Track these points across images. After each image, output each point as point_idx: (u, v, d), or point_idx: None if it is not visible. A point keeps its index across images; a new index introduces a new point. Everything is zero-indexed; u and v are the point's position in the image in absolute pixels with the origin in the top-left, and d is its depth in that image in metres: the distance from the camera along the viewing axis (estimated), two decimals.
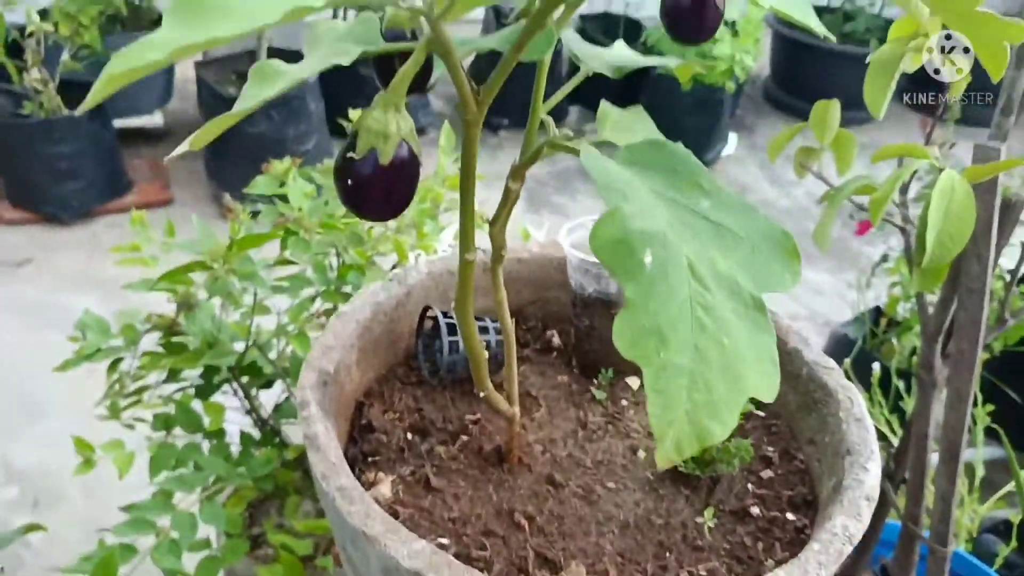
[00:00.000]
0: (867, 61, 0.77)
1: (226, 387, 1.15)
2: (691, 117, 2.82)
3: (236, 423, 1.16)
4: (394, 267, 1.05)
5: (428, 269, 0.72)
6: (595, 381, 0.71)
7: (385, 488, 0.59)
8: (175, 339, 1.11)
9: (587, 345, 0.71)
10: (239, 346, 1.08)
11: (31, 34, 2.25)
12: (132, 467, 1.02)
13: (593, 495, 0.61)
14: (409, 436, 0.64)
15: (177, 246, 0.91)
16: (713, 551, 0.56)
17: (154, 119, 2.78)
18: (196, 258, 0.88)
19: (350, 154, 0.44)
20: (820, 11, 3.29)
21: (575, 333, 0.72)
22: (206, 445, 1.10)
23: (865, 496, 0.53)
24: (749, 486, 0.62)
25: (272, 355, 1.12)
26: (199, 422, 1.08)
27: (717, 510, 0.59)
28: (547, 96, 0.52)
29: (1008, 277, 1.11)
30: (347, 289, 1.08)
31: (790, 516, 0.59)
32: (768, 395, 0.36)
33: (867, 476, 0.55)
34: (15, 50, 2.29)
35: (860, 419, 0.59)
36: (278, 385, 1.18)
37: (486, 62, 3.27)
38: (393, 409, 0.66)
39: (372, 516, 0.50)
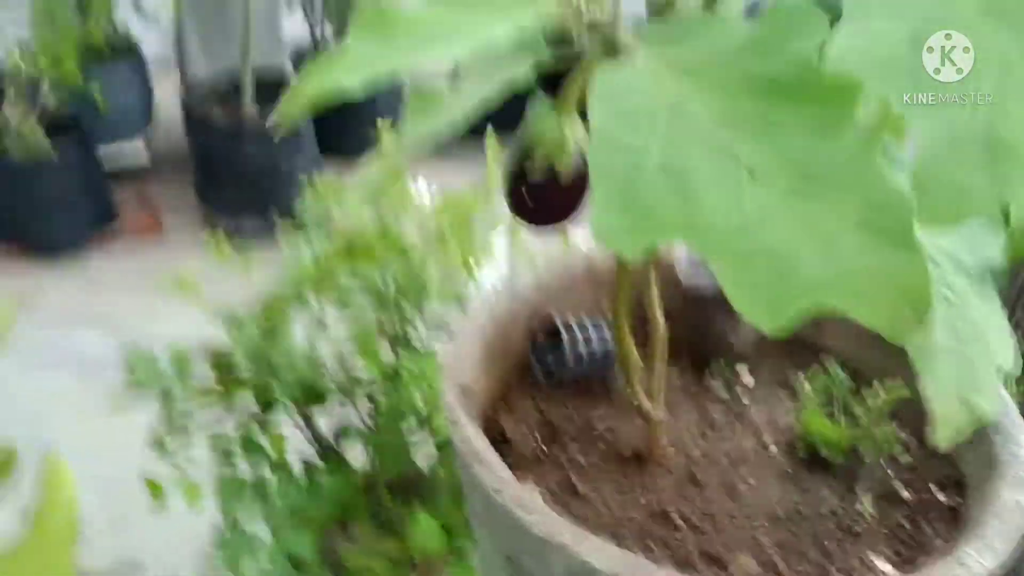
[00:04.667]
0: None
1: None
2: None
3: (297, 452, 1.15)
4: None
5: (535, 277, 0.72)
6: (709, 374, 0.71)
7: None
8: (228, 374, 1.10)
9: (699, 340, 0.72)
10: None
11: (10, 70, 2.21)
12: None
13: (736, 491, 0.61)
14: (543, 445, 0.64)
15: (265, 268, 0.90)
16: (874, 536, 0.57)
17: (137, 148, 2.74)
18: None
19: (527, 163, 0.43)
20: None
21: (685, 329, 0.72)
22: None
23: None
24: (890, 471, 0.62)
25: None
26: (263, 452, 1.07)
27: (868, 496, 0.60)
28: None
29: None
30: (404, 306, 1.07)
31: (941, 497, 0.60)
32: (1012, 363, 0.37)
33: (1022, 451, 0.56)
34: None
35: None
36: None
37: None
38: (521, 420, 0.66)
39: (557, 524, 0.49)
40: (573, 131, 0.44)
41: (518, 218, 0.46)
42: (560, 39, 0.47)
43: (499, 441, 0.64)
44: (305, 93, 0.35)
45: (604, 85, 0.29)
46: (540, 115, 0.48)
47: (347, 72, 0.34)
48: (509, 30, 0.34)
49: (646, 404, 0.58)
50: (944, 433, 0.35)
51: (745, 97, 0.27)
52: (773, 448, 0.65)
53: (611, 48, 0.40)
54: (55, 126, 2.33)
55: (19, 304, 2.25)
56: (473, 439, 0.55)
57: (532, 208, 0.45)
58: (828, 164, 0.25)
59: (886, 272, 0.25)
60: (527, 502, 0.51)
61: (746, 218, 0.25)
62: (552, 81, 0.48)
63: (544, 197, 0.45)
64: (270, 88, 2.54)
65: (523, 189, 0.44)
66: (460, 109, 0.40)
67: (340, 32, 2.84)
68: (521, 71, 0.42)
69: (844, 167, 0.25)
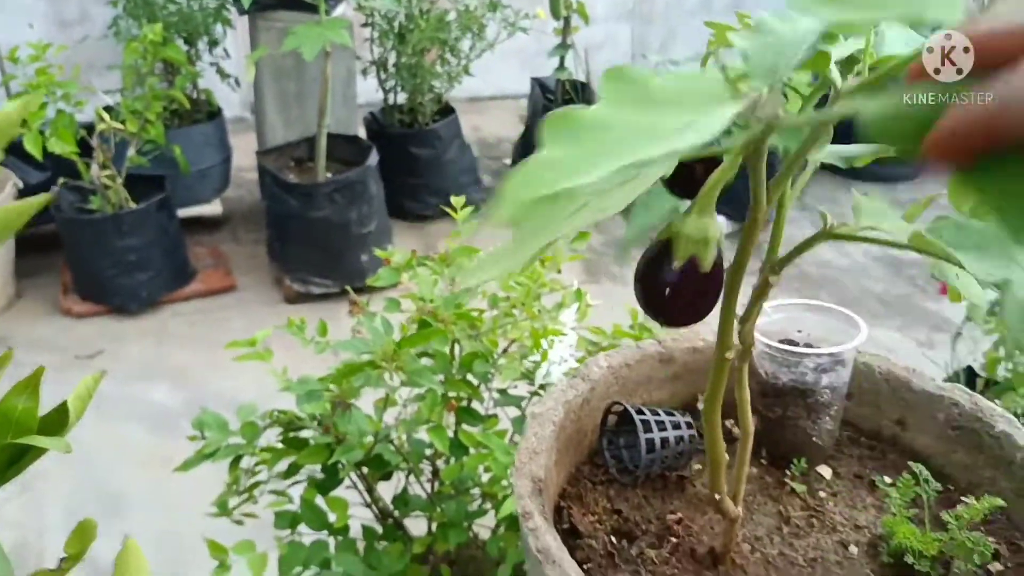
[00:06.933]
0: None
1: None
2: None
3: (356, 517, 1.14)
4: (524, 356, 1.04)
5: (608, 363, 0.71)
6: (787, 472, 0.69)
7: None
8: (294, 435, 1.10)
9: (778, 435, 0.70)
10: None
11: (100, 132, 2.30)
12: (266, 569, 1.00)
13: None
14: (614, 540, 0.62)
15: (338, 345, 0.91)
16: None
17: (213, 207, 2.82)
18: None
19: (674, 263, 0.43)
20: None
21: (763, 423, 0.71)
22: (331, 542, 1.08)
23: None
24: None
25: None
26: (325, 519, 1.06)
27: None
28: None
29: None
30: (470, 377, 1.07)
31: None
32: None
33: None
34: (82, 147, 2.34)
35: None
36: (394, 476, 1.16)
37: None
38: (591, 511, 0.65)
39: None
40: (714, 227, 0.43)
41: (651, 314, 0.45)
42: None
43: (569, 533, 0.63)
44: (524, 200, 0.32)
45: None
46: (676, 211, 0.48)
47: (550, 169, 0.33)
48: (700, 135, 0.32)
49: (728, 503, 0.57)
50: None
51: None
52: (854, 549, 0.62)
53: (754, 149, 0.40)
54: (139, 188, 2.42)
55: (96, 358, 2.31)
56: (544, 537, 0.54)
57: (673, 305, 0.44)
58: None
59: None
60: None
61: None
62: (681, 175, 0.47)
63: (682, 293, 0.44)
64: (343, 152, 2.61)
65: (665, 288, 0.44)
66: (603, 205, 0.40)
67: (412, 97, 2.91)
68: (663, 168, 0.42)
69: None
